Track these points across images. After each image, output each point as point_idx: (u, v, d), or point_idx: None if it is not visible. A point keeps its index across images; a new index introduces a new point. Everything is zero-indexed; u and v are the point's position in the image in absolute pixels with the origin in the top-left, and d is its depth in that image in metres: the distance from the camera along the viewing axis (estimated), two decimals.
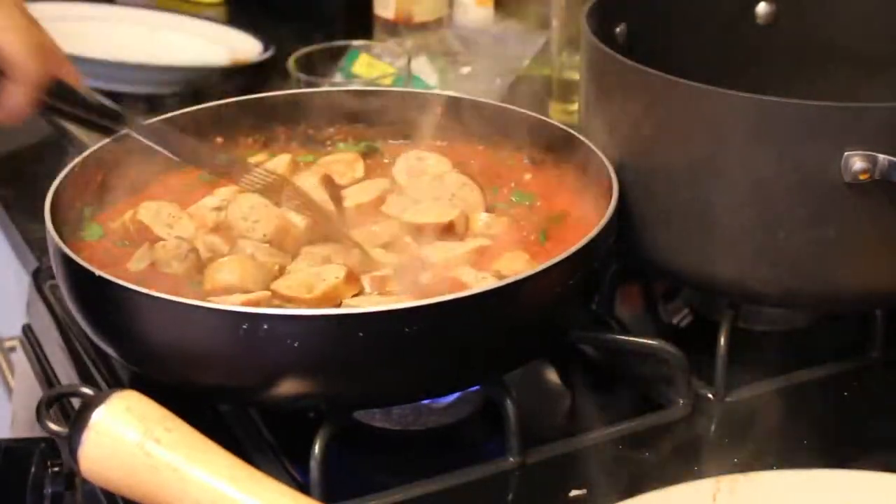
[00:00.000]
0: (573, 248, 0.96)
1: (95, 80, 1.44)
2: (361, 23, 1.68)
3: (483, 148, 1.20)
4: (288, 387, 0.94)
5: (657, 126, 1.05)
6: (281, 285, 1.00)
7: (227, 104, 1.22)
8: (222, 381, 0.96)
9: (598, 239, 0.99)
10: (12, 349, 1.37)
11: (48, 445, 0.99)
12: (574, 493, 0.97)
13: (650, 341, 1.09)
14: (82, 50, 1.50)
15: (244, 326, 0.90)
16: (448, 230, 1.08)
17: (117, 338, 0.99)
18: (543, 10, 1.56)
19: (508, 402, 0.99)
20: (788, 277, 1.03)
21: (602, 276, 1.13)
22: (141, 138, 1.07)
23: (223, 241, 1.06)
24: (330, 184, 1.11)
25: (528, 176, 1.17)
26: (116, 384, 1.09)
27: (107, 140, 1.11)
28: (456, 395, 1.05)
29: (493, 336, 0.95)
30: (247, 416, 1.05)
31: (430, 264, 1.04)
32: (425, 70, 1.56)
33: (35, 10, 1.02)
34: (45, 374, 1.20)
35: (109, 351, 1.01)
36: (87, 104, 1.00)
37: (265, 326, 0.90)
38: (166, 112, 1.16)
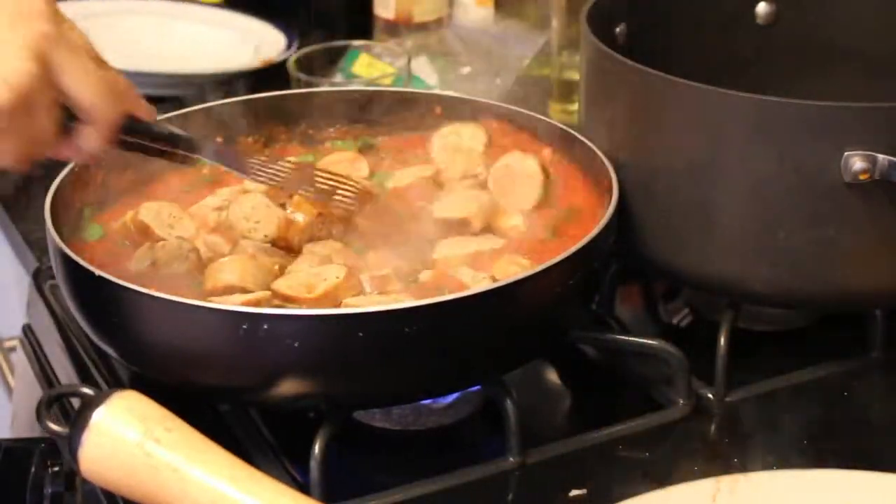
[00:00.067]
0: (573, 249, 0.96)
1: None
2: (361, 23, 1.68)
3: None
4: (288, 387, 0.94)
5: (657, 126, 1.05)
6: (281, 285, 1.00)
7: (227, 104, 1.22)
8: (222, 381, 0.96)
9: (598, 239, 0.99)
10: (12, 349, 1.37)
11: (48, 445, 0.99)
12: (574, 493, 0.97)
13: (650, 341, 1.09)
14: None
15: (244, 326, 0.90)
16: (463, 226, 1.08)
17: (117, 338, 0.99)
18: (543, 10, 1.56)
19: (508, 402, 0.99)
20: (788, 277, 1.04)
21: (602, 276, 1.13)
22: (214, 163, 1.06)
23: (224, 240, 1.06)
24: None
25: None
26: (116, 384, 1.09)
27: None
28: (456, 395, 1.05)
29: (493, 336, 0.95)
30: (247, 416, 1.05)
31: (430, 261, 1.04)
32: (425, 70, 1.56)
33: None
34: (45, 374, 1.20)
35: (109, 351, 1.01)
36: (158, 135, 1.00)
37: (265, 326, 0.90)
38: (166, 112, 1.16)
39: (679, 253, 1.07)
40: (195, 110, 1.19)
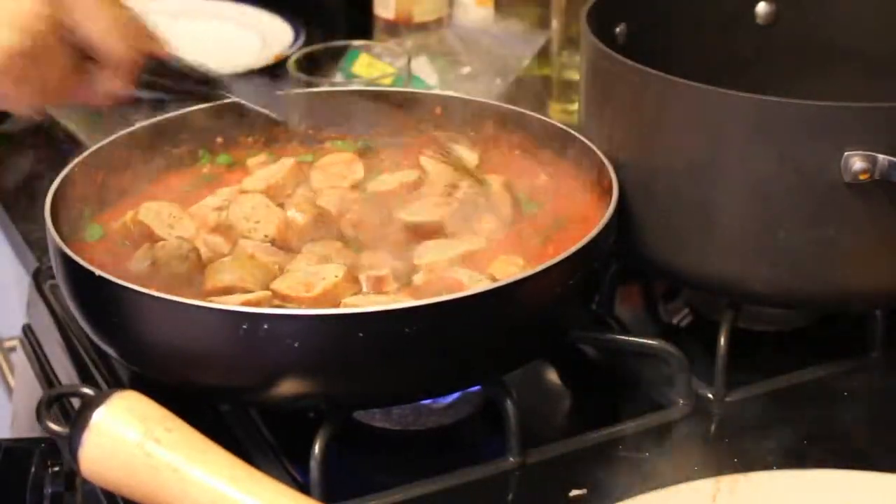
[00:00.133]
0: (573, 249, 0.96)
1: None
2: (361, 23, 1.68)
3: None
4: (288, 387, 0.94)
5: (657, 126, 1.05)
6: (280, 284, 1.00)
7: (227, 104, 1.21)
8: (222, 381, 0.96)
9: (597, 239, 0.99)
10: (12, 349, 1.37)
11: (48, 445, 0.99)
12: (574, 493, 0.97)
13: (650, 341, 1.09)
14: None
15: (244, 326, 0.90)
16: (436, 231, 1.07)
17: (117, 338, 0.99)
18: (543, 10, 1.56)
19: (508, 402, 0.99)
20: (788, 277, 1.04)
21: (602, 276, 1.13)
22: (247, 104, 1.02)
23: (224, 240, 1.06)
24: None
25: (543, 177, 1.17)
26: (116, 384, 1.09)
27: (107, 140, 1.12)
28: (456, 395, 1.05)
29: (492, 336, 0.95)
30: (247, 416, 1.05)
31: (417, 266, 1.03)
32: (425, 70, 1.56)
33: None
34: (45, 374, 1.20)
35: (109, 351, 1.01)
36: (182, 74, 0.96)
37: (265, 326, 0.90)
38: (166, 112, 1.16)
39: (679, 253, 1.07)
40: (195, 110, 1.19)
